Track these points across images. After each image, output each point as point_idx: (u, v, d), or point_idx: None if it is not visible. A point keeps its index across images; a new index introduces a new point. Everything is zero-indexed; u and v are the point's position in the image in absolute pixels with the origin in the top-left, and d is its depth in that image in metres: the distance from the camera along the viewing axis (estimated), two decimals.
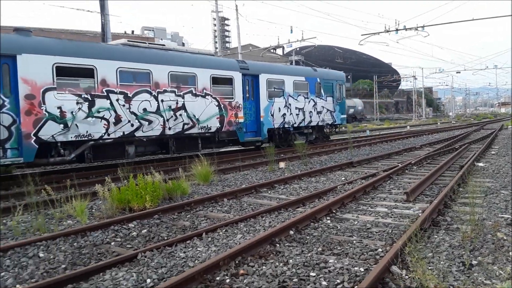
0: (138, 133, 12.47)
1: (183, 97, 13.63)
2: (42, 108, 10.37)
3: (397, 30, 29.29)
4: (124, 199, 7.33)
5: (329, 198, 7.84)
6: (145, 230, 6.23)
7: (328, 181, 10.17)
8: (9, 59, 9.84)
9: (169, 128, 13.26)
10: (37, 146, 10.28)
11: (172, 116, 13.31)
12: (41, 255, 5.21)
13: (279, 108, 17.38)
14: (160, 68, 12.96)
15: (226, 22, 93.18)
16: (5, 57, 9.78)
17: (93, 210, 7.57)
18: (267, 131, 16.91)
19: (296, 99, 18.20)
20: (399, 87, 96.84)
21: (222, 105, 14.93)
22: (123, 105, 12.04)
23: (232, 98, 15.37)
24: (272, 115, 17.05)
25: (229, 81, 15.31)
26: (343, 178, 10.50)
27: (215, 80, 14.76)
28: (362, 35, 48.56)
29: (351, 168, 12.44)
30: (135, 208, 7.30)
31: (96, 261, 5.03)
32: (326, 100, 20.05)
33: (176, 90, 13.44)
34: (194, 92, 13.98)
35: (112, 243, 5.71)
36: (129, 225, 6.45)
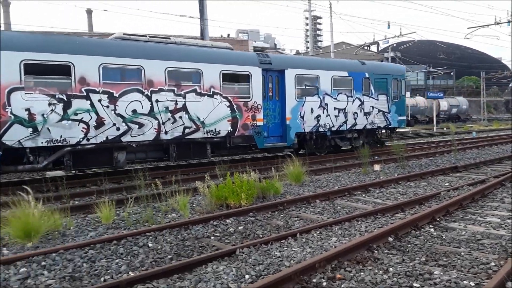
0: (126, 138, 11.02)
1: (184, 97, 11.89)
2: (6, 110, 9.38)
3: (509, 22, 26.17)
4: (222, 196, 7.69)
5: (432, 205, 7.48)
6: (242, 227, 6.46)
7: (429, 187, 9.63)
8: None
9: (166, 132, 11.63)
10: (0, 152, 9.33)
11: (169, 119, 11.66)
12: (150, 245, 5.58)
13: (312, 109, 14.81)
14: (154, 64, 11.35)
15: (318, 21, 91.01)
16: None
17: (194, 205, 8.02)
18: (296, 136, 14.50)
19: (335, 98, 15.45)
20: (510, 85, 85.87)
21: (235, 106, 12.90)
22: (107, 106, 10.66)
23: (249, 97, 13.25)
24: (302, 117, 14.56)
25: (245, 78, 13.21)
26: (446, 184, 9.90)
27: (227, 77, 12.78)
28: (468, 28, 43.14)
29: (456, 173, 11.63)
30: (232, 205, 7.61)
31: (198, 254, 5.26)
32: (377, 99, 16.86)
33: (175, 89, 11.74)
34: (198, 91, 12.16)
35: (212, 237, 5.97)
36: (227, 221, 6.73)
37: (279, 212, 7.46)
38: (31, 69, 9.69)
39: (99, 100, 10.55)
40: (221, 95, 12.58)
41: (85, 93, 10.34)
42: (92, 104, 10.45)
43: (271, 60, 13.84)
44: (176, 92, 11.77)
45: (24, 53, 9.54)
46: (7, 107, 9.36)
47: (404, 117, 18.68)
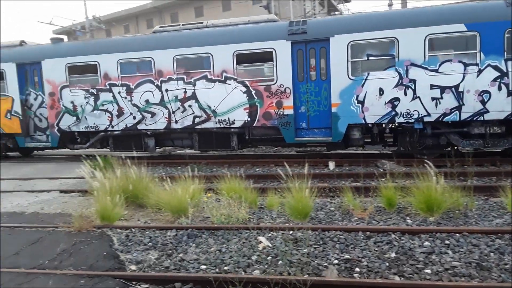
0: (141, 126, 11.92)
1: (194, 85, 11.30)
2: (60, 103, 12.52)
3: None
4: None
5: None
6: None
7: None
8: (36, 65, 12.63)
9: (176, 121, 11.58)
10: (59, 134, 12.66)
11: (178, 108, 11.50)
12: None
13: (381, 90, 9.98)
14: (162, 53, 11.44)
15: None
16: (31, 64, 12.67)
17: None
18: (347, 128, 10.33)
19: (434, 70, 9.62)
20: None
21: (253, 91, 10.86)
22: (125, 98, 11.92)
23: (273, 80, 10.70)
24: (362, 102, 10.13)
25: (267, 56, 10.71)
26: None
27: (242, 58, 10.89)
28: None
29: None
30: None
31: None
32: None
33: (184, 76, 11.36)
34: (209, 77, 11.16)
35: None
36: None
37: None
38: (72, 70, 12.36)
39: (119, 92, 11.97)
40: (234, 79, 10.95)
41: (108, 87, 12.04)
42: (114, 96, 12.03)
43: (306, 28, 10.42)
44: (185, 80, 11.37)
45: (67, 58, 12.31)
46: (60, 100, 12.51)
47: None
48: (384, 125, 10.43)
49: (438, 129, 10.12)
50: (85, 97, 12.27)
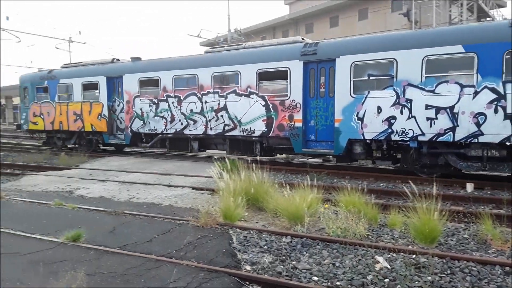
0: (186, 131, 14.23)
1: (225, 98, 13.18)
2: (133, 109, 15.64)
3: None
4: None
5: None
6: None
7: None
8: (119, 79, 15.97)
9: (211, 129, 13.58)
10: (131, 134, 15.80)
11: (213, 117, 13.48)
12: None
13: (379, 108, 10.40)
14: (204, 71, 13.58)
15: None
16: (117, 78, 16.04)
17: None
18: (347, 143, 10.93)
19: (430, 91, 9.73)
20: None
21: (270, 105, 12.24)
22: (176, 107, 14.39)
23: (286, 95, 11.92)
24: (361, 119, 10.68)
25: (283, 75, 11.97)
26: None
27: (263, 76, 12.37)
28: None
29: None
30: None
31: None
32: None
33: (219, 90, 13.32)
34: (237, 91, 12.91)
35: None
36: None
37: None
38: (142, 83, 15.34)
39: (172, 102, 14.51)
40: (256, 94, 12.49)
41: (165, 98, 14.68)
42: (168, 105, 14.62)
43: (316, 50, 11.39)
44: (219, 94, 13.32)
45: (139, 73, 15.36)
46: (133, 107, 15.61)
47: None
48: (378, 141, 10.77)
49: (436, 148, 10.11)
50: (149, 105, 15.14)
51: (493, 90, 9.08)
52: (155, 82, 15.02)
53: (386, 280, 4.41)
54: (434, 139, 9.83)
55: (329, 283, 4.39)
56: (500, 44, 8.98)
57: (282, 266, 4.84)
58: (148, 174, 11.79)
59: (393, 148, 10.91)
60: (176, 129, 14.52)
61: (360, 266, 4.78)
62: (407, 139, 10.18)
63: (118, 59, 17.23)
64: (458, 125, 9.50)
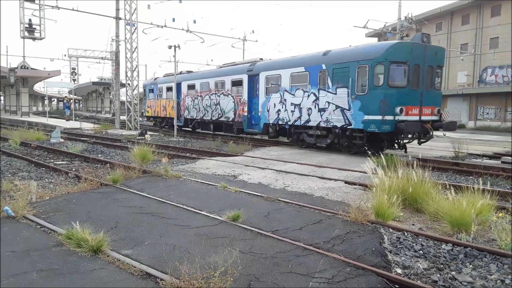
0: (206, 118, 22.84)
1: (219, 96, 21.26)
2: (184, 104, 24.98)
3: None
4: None
5: None
6: None
7: None
8: (179, 85, 25.50)
9: (211, 116, 21.88)
10: (183, 119, 25.26)
11: (215, 109, 21.73)
12: None
13: (274, 104, 17.02)
14: (209, 80, 21.90)
15: None
16: (177, 84, 25.60)
17: None
18: (264, 126, 17.77)
19: (292, 94, 15.98)
20: None
21: (236, 102, 19.84)
22: (201, 101, 23.09)
23: (242, 95, 19.30)
24: (268, 111, 17.43)
25: (240, 82, 19.35)
26: None
27: (233, 83, 20.01)
28: None
29: None
30: None
31: None
32: (335, 93, 13.90)
33: (217, 92, 21.48)
34: (224, 93, 20.84)
35: None
36: None
37: None
38: (186, 88, 24.45)
39: (199, 98, 23.26)
40: (231, 95, 20.20)
41: (197, 96, 23.52)
42: (198, 101, 23.43)
43: (253, 68, 18.43)
44: (217, 94, 21.46)
45: (187, 81, 24.54)
46: (185, 102, 24.93)
47: (380, 117, 12.22)
48: (275, 125, 17.30)
49: (298, 129, 16.28)
50: (191, 101, 24.23)
51: (314, 94, 15.01)
52: (193, 86, 24.03)
53: None
54: (293, 124, 16.13)
55: None
56: (317, 66, 14.86)
57: (438, 275, 4.47)
58: (303, 165, 11.84)
59: (282, 130, 17.39)
60: (200, 116, 23.27)
61: None
62: (284, 123, 16.66)
63: (191, 71, 26.82)
64: (301, 115, 15.65)
